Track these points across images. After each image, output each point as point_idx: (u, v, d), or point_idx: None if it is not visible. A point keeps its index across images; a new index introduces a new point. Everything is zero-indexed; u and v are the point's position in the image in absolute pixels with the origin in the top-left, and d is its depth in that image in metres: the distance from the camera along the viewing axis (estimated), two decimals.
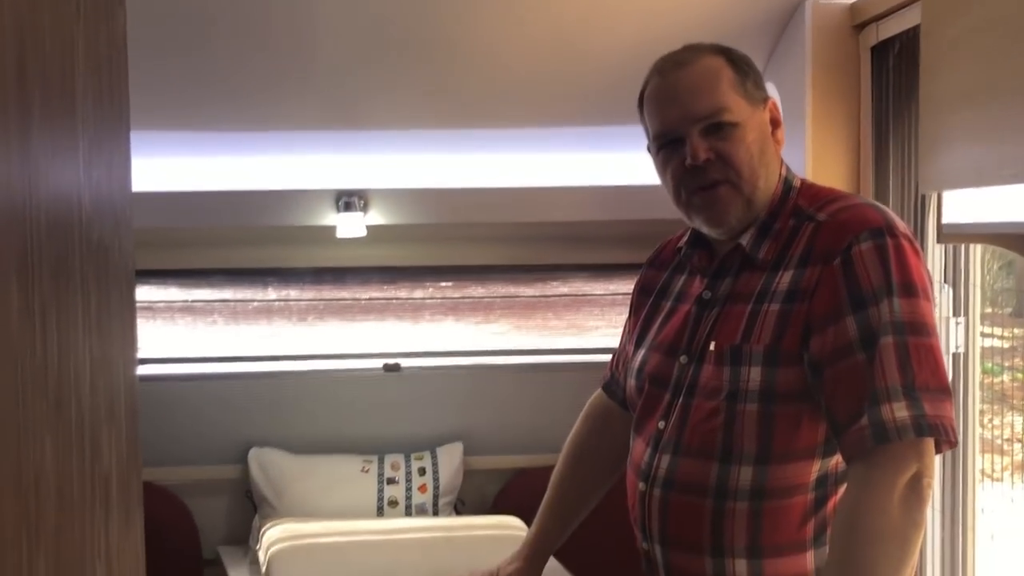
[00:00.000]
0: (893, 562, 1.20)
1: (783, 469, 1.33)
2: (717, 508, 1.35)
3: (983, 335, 2.14)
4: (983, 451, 2.16)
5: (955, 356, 2.12)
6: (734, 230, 1.41)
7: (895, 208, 2.06)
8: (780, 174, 1.42)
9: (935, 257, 2.11)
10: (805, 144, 2.22)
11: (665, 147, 1.41)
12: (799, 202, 1.40)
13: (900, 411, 1.22)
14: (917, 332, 1.25)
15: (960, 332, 2.10)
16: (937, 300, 2.13)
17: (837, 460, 1.33)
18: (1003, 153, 1.54)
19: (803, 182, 1.45)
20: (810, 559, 1.34)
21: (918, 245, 1.34)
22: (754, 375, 1.33)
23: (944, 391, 1.25)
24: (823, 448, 1.33)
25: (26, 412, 0.83)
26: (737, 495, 1.33)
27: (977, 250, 2.09)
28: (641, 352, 1.51)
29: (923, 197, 2.01)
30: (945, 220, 1.71)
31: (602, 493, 1.67)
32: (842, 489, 1.34)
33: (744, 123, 1.37)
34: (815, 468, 1.33)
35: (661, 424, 1.43)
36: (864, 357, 1.25)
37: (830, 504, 1.34)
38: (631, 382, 1.52)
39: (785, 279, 1.34)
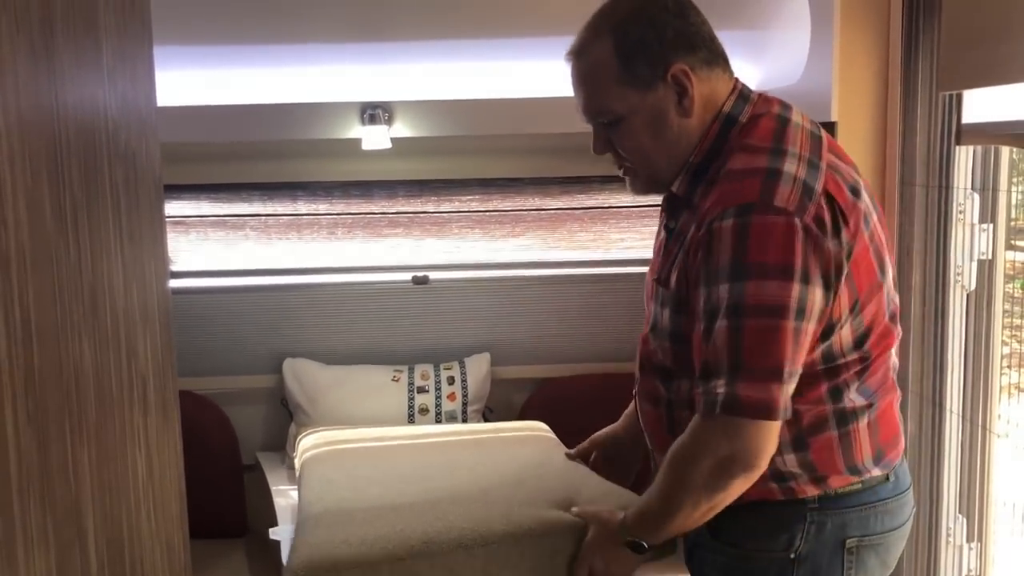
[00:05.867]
0: (683, 511, 1.35)
1: None
2: (669, 416, 1.45)
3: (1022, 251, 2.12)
4: (1020, 366, 2.17)
5: (980, 263, 2.11)
6: (658, 190, 1.49)
7: (923, 111, 2.02)
8: (721, 111, 1.39)
9: (961, 162, 2.08)
10: (833, 46, 2.17)
11: None
12: (738, 140, 1.37)
13: (719, 388, 1.27)
14: (758, 314, 1.26)
15: (985, 239, 2.09)
16: (963, 207, 2.11)
17: None
18: (1020, 50, 1.50)
19: (754, 114, 1.40)
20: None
21: (799, 219, 1.26)
22: (665, 316, 1.43)
23: (773, 372, 1.26)
24: None
25: (63, 310, 0.87)
26: (685, 405, 1.41)
27: (1005, 158, 2.05)
28: None
29: (950, 99, 1.97)
30: (965, 121, 1.68)
31: None
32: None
33: (629, 115, 1.40)
34: None
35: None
36: (703, 329, 1.31)
37: None
38: None
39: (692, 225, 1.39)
